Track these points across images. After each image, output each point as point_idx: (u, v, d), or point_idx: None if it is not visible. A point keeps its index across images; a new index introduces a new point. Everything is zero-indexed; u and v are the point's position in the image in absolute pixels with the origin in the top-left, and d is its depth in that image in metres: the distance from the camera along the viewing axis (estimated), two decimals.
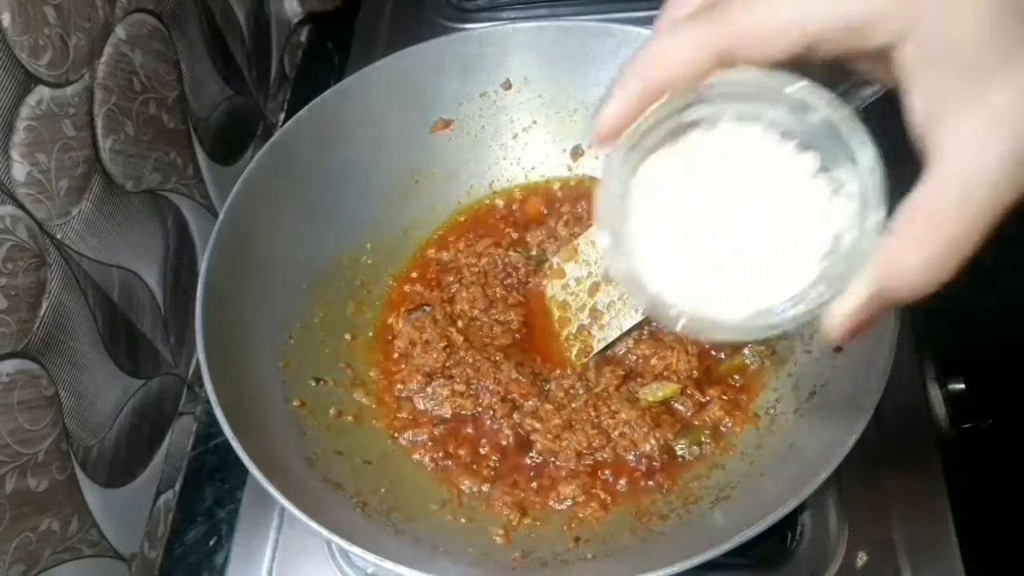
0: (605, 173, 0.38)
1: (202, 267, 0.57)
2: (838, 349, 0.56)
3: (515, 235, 0.72)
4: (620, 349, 0.64)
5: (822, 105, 0.34)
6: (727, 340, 0.42)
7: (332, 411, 0.61)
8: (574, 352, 0.64)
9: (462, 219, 0.74)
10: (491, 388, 0.62)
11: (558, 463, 0.59)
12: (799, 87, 0.34)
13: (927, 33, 0.30)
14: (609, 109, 0.35)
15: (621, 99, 0.35)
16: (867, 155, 0.34)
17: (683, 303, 0.38)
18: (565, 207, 0.73)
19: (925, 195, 0.31)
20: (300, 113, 0.65)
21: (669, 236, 0.38)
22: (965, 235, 0.31)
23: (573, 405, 0.60)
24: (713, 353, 0.63)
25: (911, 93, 0.32)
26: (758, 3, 0.32)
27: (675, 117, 0.36)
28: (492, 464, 0.60)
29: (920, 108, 0.32)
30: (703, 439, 0.58)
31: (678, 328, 0.38)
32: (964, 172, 0.31)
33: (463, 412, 0.62)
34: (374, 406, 0.63)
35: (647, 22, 0.41)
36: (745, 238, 0.37)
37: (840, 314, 0.34)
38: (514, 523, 0.56)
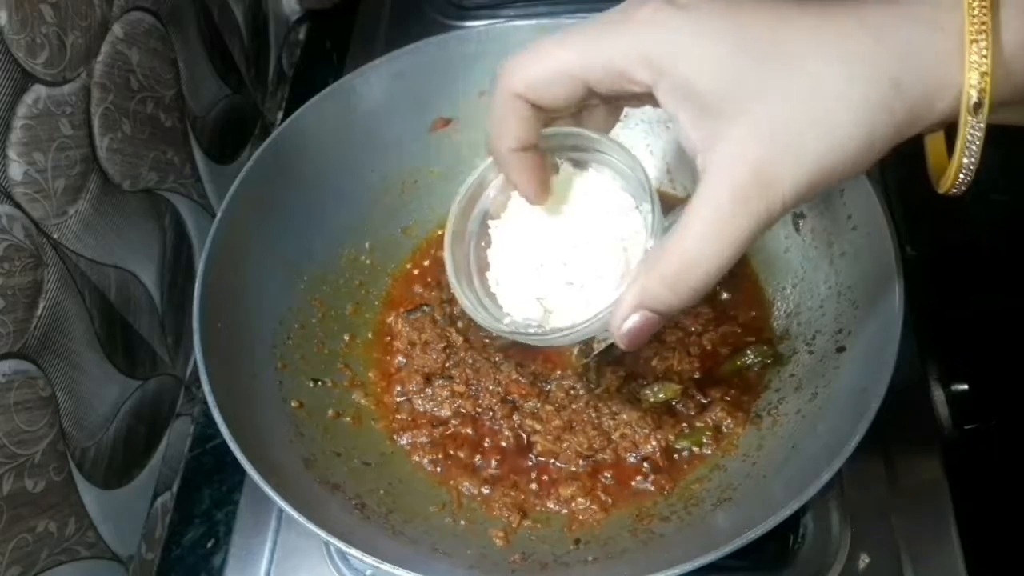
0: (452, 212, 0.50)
1: (199, 267, 0.57)
2: (840, 349, 0.56)
3: None
4: (621, 350, 0.63)
5: (629, 161, 0.44)
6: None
7: (330, 412, 0.61)
8: (575, 353, 0.64)
9: None
10: (491, 389, 0.62)
11: (558, 464, 0.59)
12: (608, 142, 0.45)
13: (668, 81, 0.36)
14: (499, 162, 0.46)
15: (497, 158, 0.45)
16: (655, 197, 0.43)
17: (515, 313, 0.49)
18: None
19: (683, 214, 0.37)
20: (298, 112, 0.65)
21: (514, 257, 0.48)
22: (709, 246, 0.37)
23: (574, 406, 0.60)
24: (716, 354, 0.63)
25: (677, 130, 0.38)
26: (536, 57, 0.40)
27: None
28: (492, 465, 0.60)
29: (686, 144, 0.38)
30: (704, 440, 0.58)
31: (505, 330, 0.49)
32: (709, 189, 0.36)
33: (463, 413, 0.62)
34: (373, 407, 0.63)
35: None
36: (568, 254, 0.46)
37: (615, 323, 0.41)
38: (514, 525, 0.56)
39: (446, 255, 0.50)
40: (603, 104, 0.45)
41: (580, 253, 0.46)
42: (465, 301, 0.49)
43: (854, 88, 0.34)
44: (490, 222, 0.50)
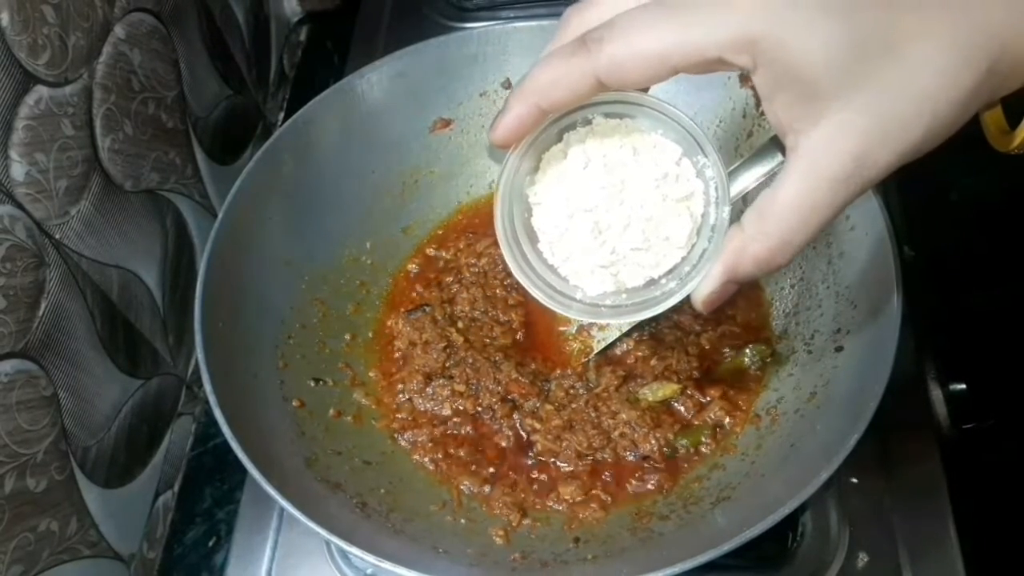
0: (506, 169, 0.44)
1: (201, 267, 0.57)
2: (839, 349, 0.56)
3: None
4: (620, 349, 0.63)
5: (677, 115, 0.42)
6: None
7: (331, 411, 0.61)
8: (574, 352, 0.64)
9: (462, 219, 0.73)
10: (491, 388, 0.62)
11: (558, 463, 0.59)
12: (644, 96, 0.42)
13: (770, 67, 0.35)
14: (505, 121, 0.41)
15: (515, 115, 0.40)
16: (713, 155, 0.42)
17: (585, 286, 0.46)
18: None
19: (773, 195, 0.38)
20: (299, 112, 0.65)
21: (564, 222, 0.45)
22: (801, 230, 0.38)
23: (573, 405, 0.60)
24: (714, 354, 0.63)
25: (767, 107, 0.37)
26: (624, 38, 0.37)
27: (557, 123, 0.44)
28: (492, 464, 0.60)
29: (775, 121, 0.37)
30: (703, 439, 0.58)
31: (576, 315, 0.47)
32: (806, 176, 0.36)
33: (463, 412, 0.62)
34: (373, 406, 0.63)
35: None
36: (628, 218, 0.44)
37: (702, 295, 0.43)
38: (514, 524, 0.56)
39: (501, 245, 0.46)
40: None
41: (643, 215, 0.43)
42: (536, 291, 0.47)
43: (957, 75, 0.35)
44: (527, 191, 0.46)
